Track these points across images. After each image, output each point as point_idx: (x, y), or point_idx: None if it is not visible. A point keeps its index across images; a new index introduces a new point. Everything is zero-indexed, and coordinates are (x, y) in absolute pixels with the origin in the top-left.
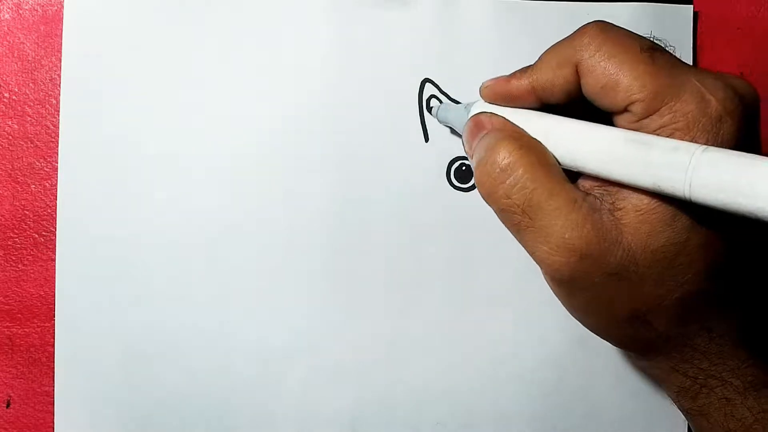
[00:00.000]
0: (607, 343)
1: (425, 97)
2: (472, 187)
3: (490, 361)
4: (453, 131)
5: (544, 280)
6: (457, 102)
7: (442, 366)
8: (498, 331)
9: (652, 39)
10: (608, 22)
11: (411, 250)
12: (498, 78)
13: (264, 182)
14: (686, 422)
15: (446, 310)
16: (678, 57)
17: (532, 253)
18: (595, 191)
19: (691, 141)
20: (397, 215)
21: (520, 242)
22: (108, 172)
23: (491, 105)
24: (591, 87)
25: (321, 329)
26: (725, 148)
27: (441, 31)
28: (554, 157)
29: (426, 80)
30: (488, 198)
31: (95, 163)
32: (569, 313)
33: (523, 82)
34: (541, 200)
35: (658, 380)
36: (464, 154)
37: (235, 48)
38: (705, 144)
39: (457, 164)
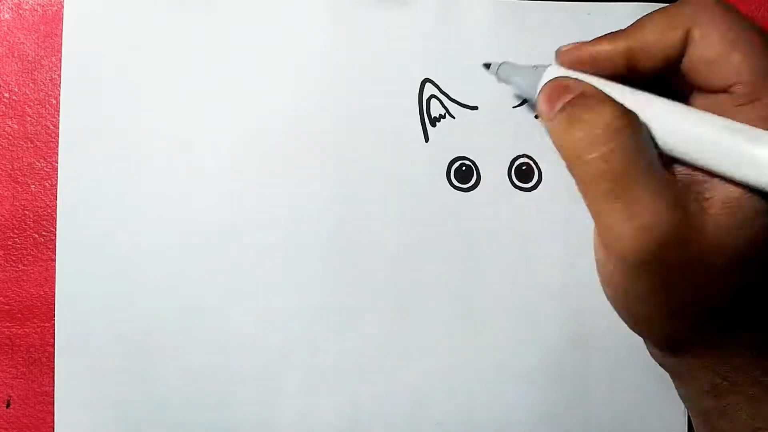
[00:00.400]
0: (607, 344)
1: (425, 97)
2: (472, 187)
3: (490, 362)
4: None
5: (542, 280)
6: (458, 102)
7: (442, 366)
8: (498, 331)
9: None
10: None
11: (411, 250)
12: (580, 42)
13: (264, 182)
14: (685, 423)
15: (446, 311)
16: None
17: (609, 227)
18: (683, 177)
19: None
20: (397, 215)
21: (597, 212)
22: (108, 172)
23: (568, 71)
24: (698, 57)
25: (321, 329)
26: None
27: (441, 31)
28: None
29: (426, 80)
30: (578, 159)
31: (95, 163)
32: (614, 301)
33: (619, 45)
34: (639, 173)
35: (679, 378)
36: (464, 154)
37: (235, 48)
38: None
39: (457, 164)
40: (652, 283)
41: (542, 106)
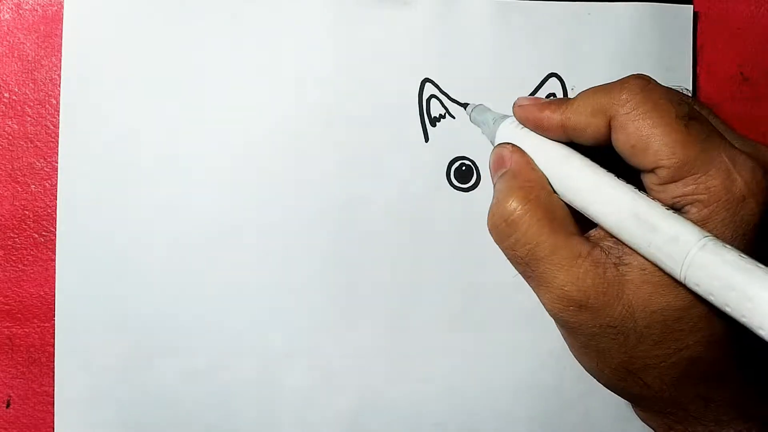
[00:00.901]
0: None
1: (425, 97)
2: (472, 187)
3: (490, 363)
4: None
5: None
6: (458, 102)
7: (442, 367)
8: (497, 332)
9: (681, 90)
10: (650, 79)
11: (411, 249)
12: (533, 101)
13: (264, 182)
14: None
15: (446, 310)
16: (714, 125)
17: (536, 294)
18: (605, 242)
19: (709, 215)
20: (398, 215)
21: (527, 282)
22: (108, 172)
23: (517, 128)
24: (621, 143)
25: (321, 329)
26: (744, 228)
27: (441, 31)
28: (564, 205)
29: (426, 80)
30: (496, 242)
31: (95, 163)
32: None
33: (555, 117)
34: (543, 255)
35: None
36: (464, 154)
37: (234, 48)
38: (722, 221)
39: (457, 164)
40: (582, 341)
41: (490, 171)
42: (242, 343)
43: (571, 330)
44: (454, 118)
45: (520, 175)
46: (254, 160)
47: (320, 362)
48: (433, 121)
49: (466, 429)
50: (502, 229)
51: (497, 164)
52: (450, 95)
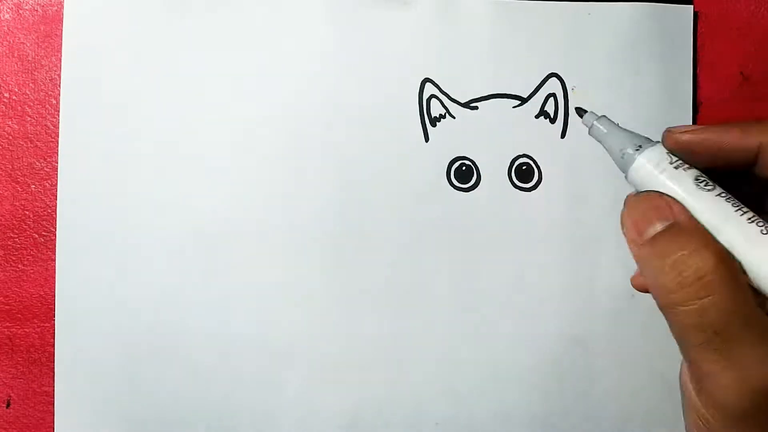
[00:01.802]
0: (607, 344)
1: (425, 97)
2: (472, 187)
3: (490, 362)
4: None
5: (542, 280)
6: (458, 102)
7: (442, 366)
8: (498, 331)
9: None
10: None
11: (411, 249)
12: (699, 126)
13: (264, 182)
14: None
15: (446, 310)
16: None
17: (708, 374)
18: None
19: None
20: (397, 215)
21: (693, 358)
22: (108, 172)
23: (665, 157)
24: None
25: (321, 329)
26: None
27: (441, 31)
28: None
29: (426, 80)
30: (673, 308)
31: (95, 163)
32: None
33: (751, 140)
34: (737, 326)
35: None
36: (464, 154)
37: (234, 48)
38: None
39: (457, 164)
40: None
41: (629, 229)
42: (242, 343)
43: (741, 419)
44: (454, 118)
45: (699, 231)
46: (254, 160)
47: (320, 362)
48: (433, 121)
49: (466, 429)
50: (693, 290)
51: (651, 216)
52: (450, 95)
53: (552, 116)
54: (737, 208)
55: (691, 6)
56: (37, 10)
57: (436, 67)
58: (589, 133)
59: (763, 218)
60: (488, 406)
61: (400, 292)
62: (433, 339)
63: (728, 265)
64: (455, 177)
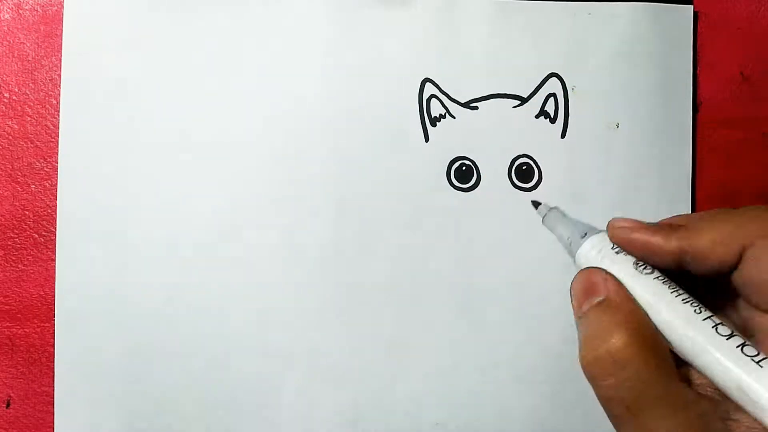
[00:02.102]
0: None
1: (425, 97)
2: (472, 187)
3: (490, 362)
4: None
5: (542, 280)
6: (458, 102)
7: (442, 366)
8: (498, 331)
9: None
10: None
11: (411, 249)
12: (634, 223)
13: (264, 182)
14: None
15: (446, 310)
16: None
17: None
18: (708, 390)
19: None
20: (397, 215)
21: (613, 425)
22: (108, 172)
23: (608, 249)
24: (748, 278)
25: (321, 329)
26: None
27: (441, 31)
28: (666, 345)
29: (426, 80)
30: (592, 380)
31: (95, 163)
32: None
33: (671, 244)
34: (649, 402)
35: None
36: (464, 154)
37: (234, 48)
38: None
39: (457, 164)
40: None
41: (573, 300)
42: (242, 343)
43: None
44: (454, 118)
45: (623, 308)
46: (254, 160)
47: (320, 362)
48: (433, 121)
49: (466, 429)
50: (606, 366)
51: (588, 290)
52: (450, 95)
53: (552, 116)
54: (673, 290)
55: (691, 6)
56: (37, 10)
57: (436, 67)
58: (542, 223)
59: (699, 302)
60: (488, 406)
61: (400, 291)
62: (432, 339)
63: (643, 342)
64: (455, 177)
